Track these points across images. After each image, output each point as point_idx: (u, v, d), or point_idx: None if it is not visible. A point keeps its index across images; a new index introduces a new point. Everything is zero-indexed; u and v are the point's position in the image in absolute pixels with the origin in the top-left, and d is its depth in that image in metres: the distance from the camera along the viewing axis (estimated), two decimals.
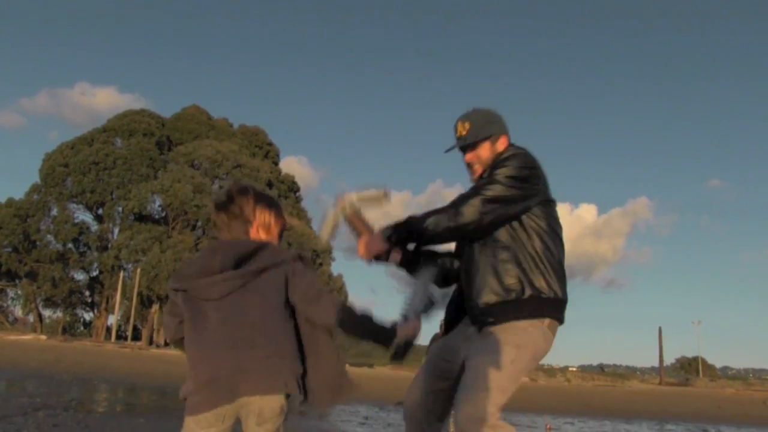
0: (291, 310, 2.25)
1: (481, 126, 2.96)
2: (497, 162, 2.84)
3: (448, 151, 3.04)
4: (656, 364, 33.08)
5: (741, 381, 40.70)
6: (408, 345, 2.34)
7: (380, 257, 2.87)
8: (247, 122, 48.77)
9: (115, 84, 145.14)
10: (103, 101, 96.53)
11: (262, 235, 2.33)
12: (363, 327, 2.26)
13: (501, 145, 2.95)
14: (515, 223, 2.80)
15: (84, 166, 40.74)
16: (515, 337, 2.71)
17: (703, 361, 63.03)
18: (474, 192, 2.75)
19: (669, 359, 70.68)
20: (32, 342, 24.92)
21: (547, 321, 2.76)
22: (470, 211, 2.71)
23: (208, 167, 41.67)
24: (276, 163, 45.95)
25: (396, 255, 2.93)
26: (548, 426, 10.10)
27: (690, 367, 63.82)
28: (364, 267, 2.50)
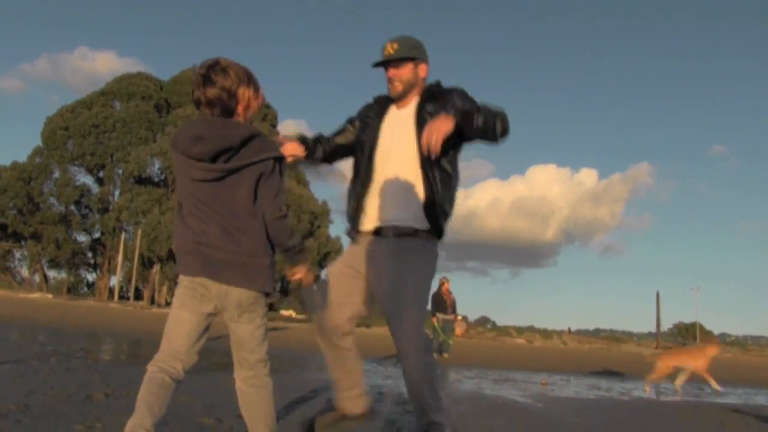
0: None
1: (407, 48, 3.31)
2: (458, 92, 3.30)
3: (375, 65, 3.36)
4: (653, 329, 33.32)
5: (739, 347, 40.97)
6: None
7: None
8: None
9: (114, 48, 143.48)
10: (103, 65, 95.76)
11: (246, 114, 2.51)
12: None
13: (422, 71, 3.37)
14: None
15: (84, 129, 40.78)
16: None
17: (701, 327, 62.97)
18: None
19: (666, 325, 70.73)
20: (39, 300, 25.28)
21: None
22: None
23: None
24: (274, 126, 45.88)
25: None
26: (543, 381, 10.32)
27: (687, 333, 63.83)
28: None
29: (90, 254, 44.61)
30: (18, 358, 6.17)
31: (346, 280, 3.24)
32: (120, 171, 41.60)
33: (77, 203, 41.94)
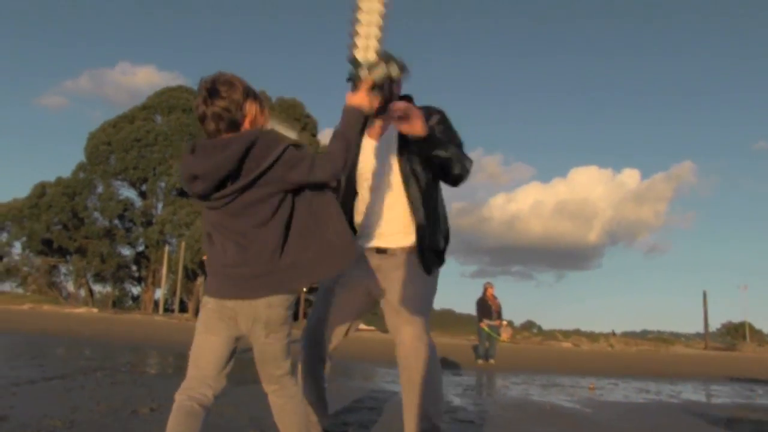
0: (286, 194, 2.41)
1: None
2: (439, 115, 3.30)
3: (349, 80, 3.26)
4: (701, 329, 32.55)
5: None
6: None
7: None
8: (285, 95, 48.74)
9: (154, 63, 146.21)
10: (144, 80, 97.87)
11: (248, 127, 2.42)
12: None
13: (396, 88, 3.29)
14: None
15: (126, 144, 41.32)
16: None
17: (751, 327, 61.53)
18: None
19: (714, 325, 69.34)
20: (85, 314, 25.65)
21: None
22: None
23: None
24: (314, 135, 45.99)
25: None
26: (591, 385, 10.14)
27: (736, 333, 62.52)
28: None
29: (134, 267, 45.18)
30: (64, 373, 6.23)
31: (344, 292, 3.26)
32: (162, 184, 42.08)
33: (121, 217, 42.50)
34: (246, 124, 2.41)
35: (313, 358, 3.24)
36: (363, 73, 2.72)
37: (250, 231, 2.35)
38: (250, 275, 2.35)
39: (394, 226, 3.23)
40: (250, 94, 2.42)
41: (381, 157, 3.27)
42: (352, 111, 2.58)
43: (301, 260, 2.40)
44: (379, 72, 2.75)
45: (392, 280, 3.17)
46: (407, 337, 3.07)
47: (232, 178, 2.31)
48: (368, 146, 3.33)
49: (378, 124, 3.33)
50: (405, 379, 3.09)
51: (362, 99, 2.62)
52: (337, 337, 3.28)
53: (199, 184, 2.30)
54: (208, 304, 2.43)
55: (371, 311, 3.42)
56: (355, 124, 2.55)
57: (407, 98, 3.35)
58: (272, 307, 2.38)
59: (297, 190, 2.42)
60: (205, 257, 2.51)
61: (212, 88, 2.37)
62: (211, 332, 2.41)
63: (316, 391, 3.27)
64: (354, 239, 2.57)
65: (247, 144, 2.30)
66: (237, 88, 2.38)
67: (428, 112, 3.24)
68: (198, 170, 2.30)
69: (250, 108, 2.41)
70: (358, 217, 3.31)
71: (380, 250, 3.24)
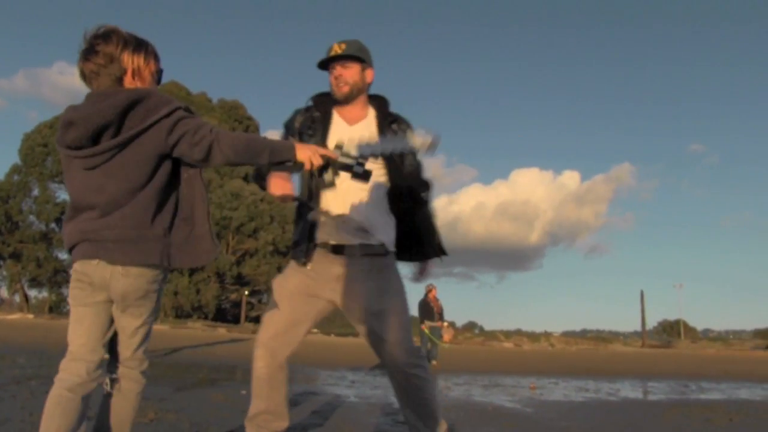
0: (170, 164, 2.26)
1: (355, 49, 3.17)
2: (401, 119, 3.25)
3: (320, 64, 3.18)
4: (639, 328, 33.63)
5: (721, 342, 41.38)
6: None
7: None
8: (226, 96, 48.27)
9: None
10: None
11: (137, 83, 2.26)
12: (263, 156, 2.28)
13: (369, 76, 3.22)
14: None
15: None
16: None
17: (685, 324, 63.83)
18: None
19: (651, 323, 71.67)
20: (20, 320, 24.93)
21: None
22: None
23: None
24: None
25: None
26: (532, 385, 10.28)
27: (672, 330, 64.74)
28: None
29: None
30: None
31: (303, 298, 3.04)
32: None
33: (58, 220, 41.51)
34: (128, 78, 2.26)
35: (273, 368, 3.01)
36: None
37: (122, 195, 2.19)
38: (113, 239, 2.19)
39: (366, 222, 3.04)
40: (129, 45, 2.27)
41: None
42: (290, 147, 2.35)
43: (172, 240, 2.30)
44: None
45: (365, 290, 3.02)
46: (392, 348, 2.98)
47: (110, 132, 2.15)
48: (342, 128, 3.14)
49: (354, 109, 3.20)
50: (396, 390, 3.08)
51: (305, 152, 2.39)
52: (295, 344, 3.07)
53: (73, 131, 2.13)
54: (73, 275, 2.28)
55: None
56: (279, 153, 2.32)
57: (380, 99, 3.27)
58: (129, 276, 2.22)
59: (176, 163, 2.29)
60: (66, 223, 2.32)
61: (89, 44, 2.23)
62: (78, 303, 2.26)
63: (278, 398, 3.04)
64: (214, 237, 2.38)
65: (134, 98, 2.16)
66: (112, 41, 2.23)
67: (403, 124, 3.21)
68: (74, 116, 2.14)
69: (129, 60, 2.26)
70: (327, 207, 3.06)
71: (339, 249, 3.04)
